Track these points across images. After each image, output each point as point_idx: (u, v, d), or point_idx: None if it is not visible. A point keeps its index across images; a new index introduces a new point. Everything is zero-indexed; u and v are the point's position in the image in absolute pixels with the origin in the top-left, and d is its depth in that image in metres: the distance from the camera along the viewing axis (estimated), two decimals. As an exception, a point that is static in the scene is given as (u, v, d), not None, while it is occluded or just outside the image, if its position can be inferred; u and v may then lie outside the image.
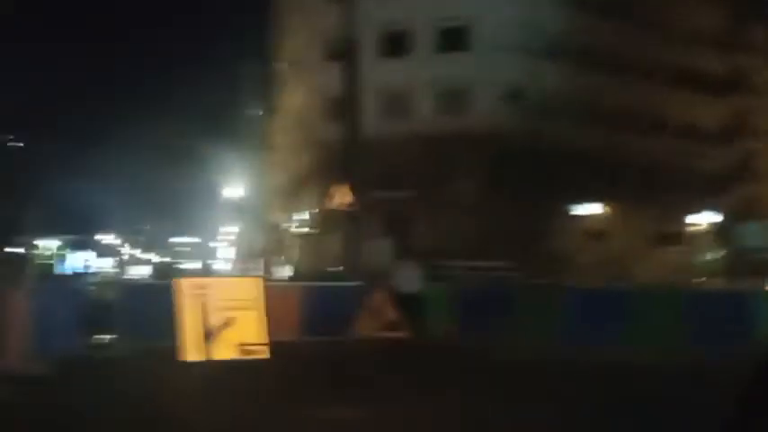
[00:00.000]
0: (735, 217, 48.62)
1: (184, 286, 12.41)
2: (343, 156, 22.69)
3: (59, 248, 54.44)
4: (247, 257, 50.54)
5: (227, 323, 12.29)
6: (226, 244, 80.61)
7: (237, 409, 9.11)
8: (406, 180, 38.33)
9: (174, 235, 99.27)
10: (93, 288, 15.11)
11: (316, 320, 14.17)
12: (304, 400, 9.40)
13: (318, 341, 14.07)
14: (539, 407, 9.15)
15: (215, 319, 12.25)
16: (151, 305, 12.91)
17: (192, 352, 12.04)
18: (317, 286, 15.39)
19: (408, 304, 14.50)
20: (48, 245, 58.50)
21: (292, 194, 48.64)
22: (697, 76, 48.70)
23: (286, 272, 37.78)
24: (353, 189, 16.20)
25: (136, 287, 14.88)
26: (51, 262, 48.68)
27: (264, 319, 12.66)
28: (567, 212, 42.15)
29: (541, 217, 36.88)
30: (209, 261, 78.12)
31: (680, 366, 13.06)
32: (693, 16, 47.36)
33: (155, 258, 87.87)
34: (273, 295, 14.03)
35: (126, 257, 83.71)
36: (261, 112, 61.00)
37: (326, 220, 35.98)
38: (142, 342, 12.93)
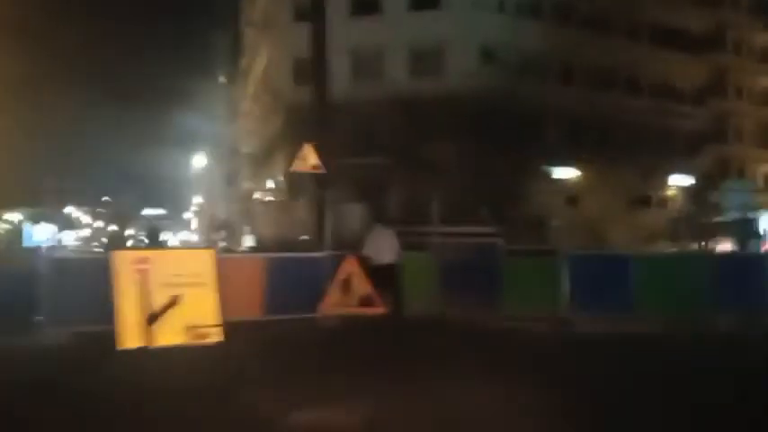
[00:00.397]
0: (709, 179, 47.42)
1: (122, 260, 10.45)
2: (311, 118, 20.86)
3: (21, 221, 51.93)
4: (212, 228, 48.36)
5: (172, 302, 10.38)
6: (192, 216, 78.30)
7: (177, 407, 7.25)
8: (382, 144, 36.36)
9: (146, 207, 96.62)
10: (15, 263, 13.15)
11: (280, 296, 12.28)
12: (260, 398, 7.53)
13: (283, 320, 12.20)
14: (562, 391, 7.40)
15: (159, 298, 10.34)
16: (84, 283, 10.90)
17: (130, 338, 10.11)
18: (281, 257, 13.44)
19: (384, 276, 12.66)
20: (11, 217, 55.94)
21: (263, 162, 46.50)
22: (675, 34, 47.09)
23: (248, 242, 35.68)
24: (320, 150, 14.18)
25: (66, 262, 12.75)
26: (16, 235, 46.39)
27: (217, 296, 10.77)
28: (544, 175, 40.64)
29: (520, 180, 35.18)
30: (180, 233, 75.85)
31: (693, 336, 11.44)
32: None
33: (125, 231, 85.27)
34: (232, 268, 12.16)
35: (91, 231, 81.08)
36: (225, 80, 58.55)
37: (294, 186, 33.96)
38: (71, 326, 10.95)
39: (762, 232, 27.04)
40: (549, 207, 37.50)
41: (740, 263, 14.63)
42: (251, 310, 12.28)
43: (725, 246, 26.23)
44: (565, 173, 41.98)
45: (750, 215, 27.07)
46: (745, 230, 26.00)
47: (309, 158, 14.37)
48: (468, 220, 25.66)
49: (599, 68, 43.34)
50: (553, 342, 11.75)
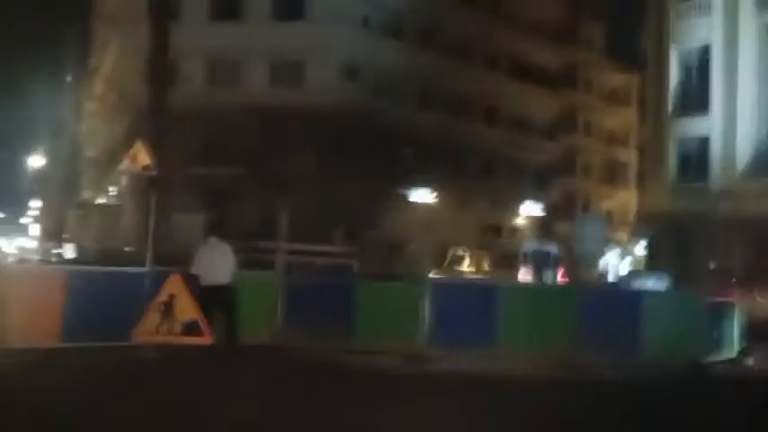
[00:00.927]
0: (556, 211, 47.96)
1: None
2: (149, 120, 18.55)
3: None
4: (49, 236, 43.93)
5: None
6: (31, 220, 71.94)
7: None
8: (236, 154, 33.89)
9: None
10: None
11: (84, 319, 9.84)
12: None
13: (87, 348, 9.75)
14: None
15: None
16: None
17: None
18: (87, 272, 10.95)
19: (215, 299, 10.45)
20: None
21: (106, 166, 42.76)
22: (532, 68, 47.46)
23: (69, 253, 32.15)
24: (153, 150, 11.79)
25: None
26: None
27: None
28: (401, 197, 39.53)
29: (377, 200, 33.70)
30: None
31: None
32: (533, 7, 45.86)
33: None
34: (22, 284, 9.59)
35: None
36: (71, 78, 54.07)
37: (130, 191, 30.88)
38: None
39: (556, 263, 27.86)
40: (406, 230, 36.22)
41: (609, 297, 13.39)
42: (46, 335, 9.75)
43: (525, 276, 26.40)
44: (421, 196, 41.01)
45: (547, 247, 28.17)
46: (543, 261, 26.75)
47: (140, 158, 11.94)
48: (321, 238, 23.86)
49: (458, 96, 42.90)
50: (403, 382, 9.90)
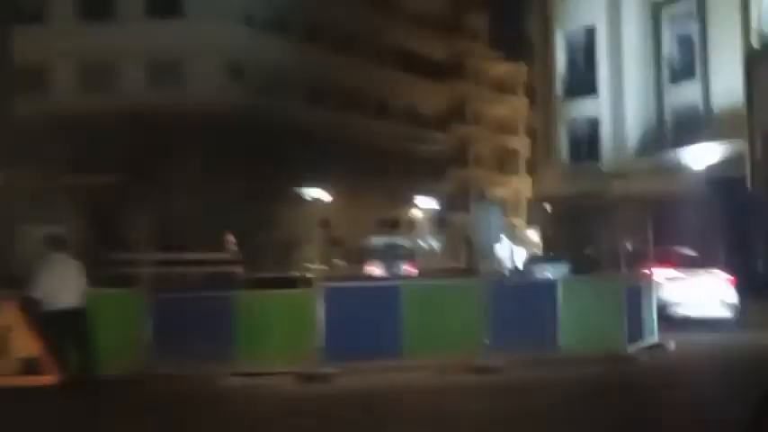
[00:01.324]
0: (453, 201, 47.26)
1: None
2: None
3: None
4: None
5: None
6: None
7: None
8: (114, 161, 31.21)
9: None
10: None
11: None
12: None
13: None
14: None
15: None
16: None
17: None
18: None
19: (64, 326, 8.50)
20: None
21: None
22: (419, 60, 46.58)
23: None
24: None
25: None
26: None
27: None
28: (295, 197, 37.78)
29: (269, 201, 31.82)
30: None
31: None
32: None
33: None
34: None
35: None
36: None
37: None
38: None
39: (406, 256, 27.44)
40: (302, 231, 34.46)
41: (518, 289, 12.11)
42: None
43: (374, 269, 25.74)
44: (315, 194, 39.42)
45: (398, 241, 28.02)
46: (392, 254, 26.37)
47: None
48: (210, 246, 21.90)
49: (348, 91, 41.55)
50: (294, 406, 8.29)
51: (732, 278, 15.42)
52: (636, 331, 11.19)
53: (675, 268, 15.29)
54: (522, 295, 11.26)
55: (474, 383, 9.37)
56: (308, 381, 9.24)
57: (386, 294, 10.16)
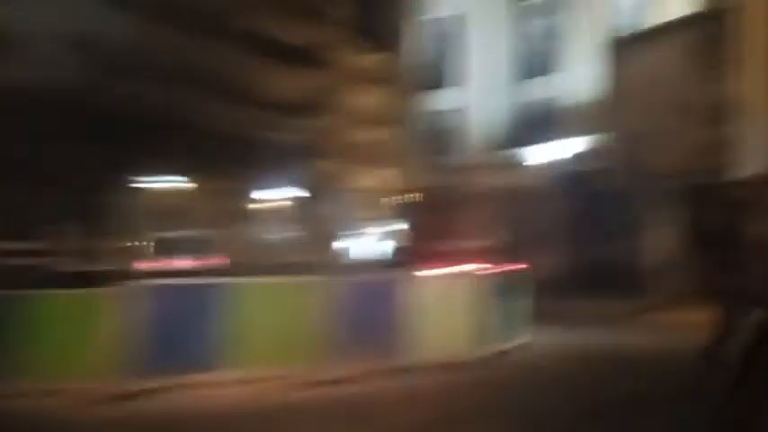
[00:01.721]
0: (312, 193, 45.79)
1: None
2: None
3: None
4: None
5: None
6: None
7: None
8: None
9: None
10: None
11: None
12: None
13: None
14: None
15: None
16: None
17: None
18: None
19: None
20: None
21: None
22: (283, 47, 44.69)
23: None
24: None
25: None
26: None
27: None
28: (135, 186, 35.25)
29: (109, 189, 29.19)
30: None
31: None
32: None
33: None
34: None
35: None
36: None
37: None
38: None
39: (198, 250, 25.11)
40: (147, 220, 31.95)
41: (366, 287, 10.54)
42: None
43: (182, 263, 23.42)
44: (166, 182, 37.02)
45: (208, 233, 25.79)
46: (203, 247, 24.09)
47: None
48: (32, 235, 19.37)
49: (205, 75, 39.14)
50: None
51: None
52: (501, 330, 10.06)
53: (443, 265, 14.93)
54: (372, 294, 9.75)
55: (313, 399, 7.85)
56: (105, 401, 7.41)
57: (206, 294, 8.35)
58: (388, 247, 36.67)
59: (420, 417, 7.04)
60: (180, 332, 7.88)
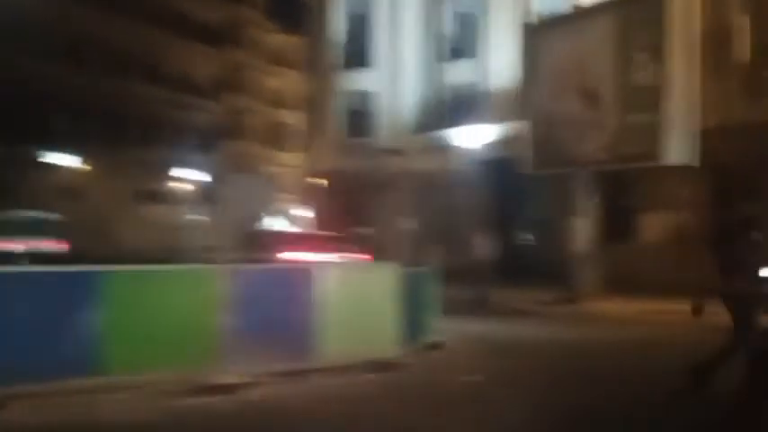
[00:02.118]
0: (222, 175, 43.90)
1: None
2: None
3: None
4: None
5: None
6: None
7: None
8: None
9: None
10: None
11: None
12: None
13: None
14: None
15: None
16: None
17: None
18: None
19: None
20: None
21: None
22: (193, 24, 42.64)
23: None
24: None
25: None
26: None
27: None
28: (41, 164, 32.90)
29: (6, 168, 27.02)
30: None
31: None
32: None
33: None
34: None
35: None
36: None
37: None
38: None
39: (50, 232, 23.20)
40: (46, 200, 29.63)
41: (268, 277, 9.23)
42: None
43: (16, 245, 21.16)
44: (62, 160, 34.74)
45: (46, 214, 23.55)
46: (38, 229, 22.04)
47: None
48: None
49: (113, 52, 36.92)
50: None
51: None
52: (416, 327, 9.05)
53: (311, 251, 14.47)
54: (273, 286, 8.43)
55: (201, 409, 6.60)
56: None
57: (75, 284, 6.91)
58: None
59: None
60: (44, 330, 6.46)
